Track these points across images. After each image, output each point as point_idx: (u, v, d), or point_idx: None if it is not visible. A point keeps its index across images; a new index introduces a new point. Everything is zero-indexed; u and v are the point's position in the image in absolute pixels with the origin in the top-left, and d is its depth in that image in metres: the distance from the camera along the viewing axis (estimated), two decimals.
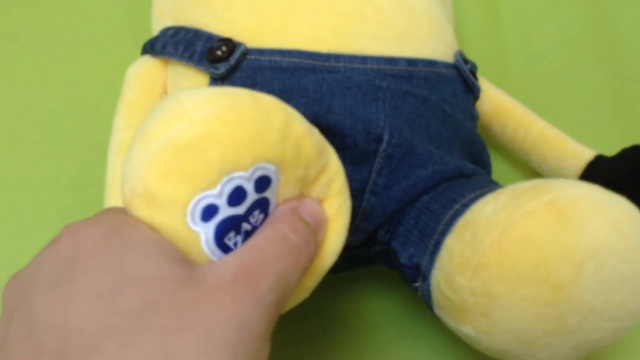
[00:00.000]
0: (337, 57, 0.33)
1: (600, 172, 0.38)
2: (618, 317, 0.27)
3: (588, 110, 0.48)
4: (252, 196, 0.23)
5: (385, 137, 0.32)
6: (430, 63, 0.35)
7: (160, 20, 0.38)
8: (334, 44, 0.33)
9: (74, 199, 0.41)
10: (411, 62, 0.34)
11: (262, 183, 0.24)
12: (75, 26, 0.48)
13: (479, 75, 0.42)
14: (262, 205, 0.24)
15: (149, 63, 0.36)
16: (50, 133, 0.43)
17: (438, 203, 0.32)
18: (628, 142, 0.39)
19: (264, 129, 0.23)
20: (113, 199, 0.33)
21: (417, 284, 0.32)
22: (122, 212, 0.23)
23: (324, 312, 0.37)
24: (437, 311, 0.31)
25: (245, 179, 0.23)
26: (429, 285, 0.31)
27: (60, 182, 0.42)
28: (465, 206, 0.30)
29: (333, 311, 0.37)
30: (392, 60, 0.34)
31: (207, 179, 0.22)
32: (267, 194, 0.24)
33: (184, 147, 0.21)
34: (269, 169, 0.24)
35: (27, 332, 0.20)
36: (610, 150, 0.39)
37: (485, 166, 0.38)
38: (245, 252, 0.22)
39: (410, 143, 0.32)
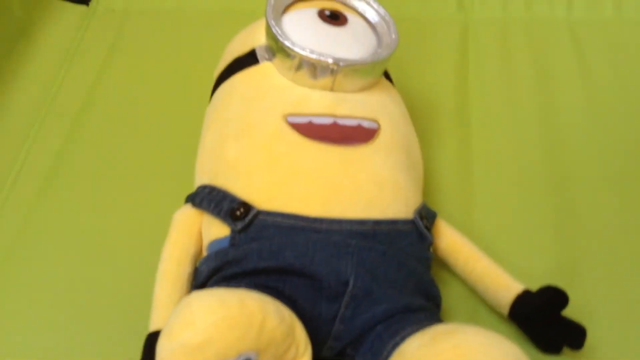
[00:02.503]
0: (322, 221, 0.46)
1: (523, 305, 0.50)
2: None
3: (534, 247, 0.60)
4: None
5: (351, 282, 0.44)
6: (392, 222, 0.48)
7: (201, 177, 0.52)
8: (322, 210, 0.46)
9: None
10: (377, 222, 0.47)
11: None
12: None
13: (443, 219, 0.55)
14: None
15: (190, 211, 0.50)
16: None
17: (388, 332, 0.45)
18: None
19: (246, 331, 0.37)
20: (156, 320, 0.46)
21: None
22: None
23: None
24: None
25: None
26: None
27: None
28: (403, 338, 0.43)
29: None
30: (362, 222, 0.47)
31: None
32: None
33: (192, 348, 0.36)
34: (250, 355, 0.37)
35: None
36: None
37: (434, 298, 0.50)
38: None
39: (369, 286, 0.45)
